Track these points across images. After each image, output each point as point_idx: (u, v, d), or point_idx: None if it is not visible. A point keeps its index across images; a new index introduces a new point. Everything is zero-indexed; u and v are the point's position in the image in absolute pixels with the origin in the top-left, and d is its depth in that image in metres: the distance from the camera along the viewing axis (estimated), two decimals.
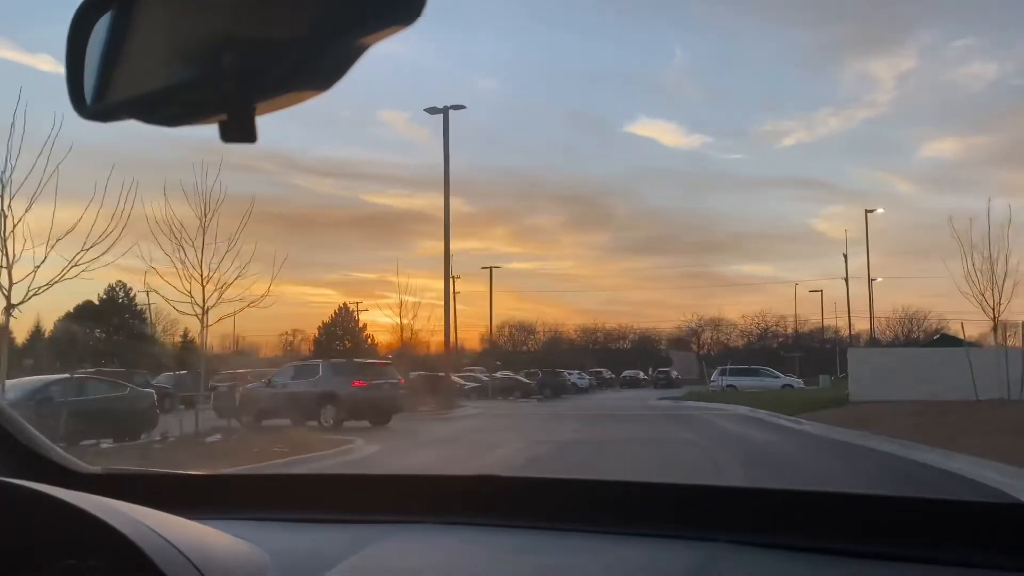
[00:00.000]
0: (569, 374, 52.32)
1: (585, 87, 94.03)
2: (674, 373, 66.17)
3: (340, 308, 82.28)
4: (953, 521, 1.17)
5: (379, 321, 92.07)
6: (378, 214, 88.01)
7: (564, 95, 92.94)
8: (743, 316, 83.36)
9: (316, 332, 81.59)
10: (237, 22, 0.66)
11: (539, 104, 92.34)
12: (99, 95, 0.76)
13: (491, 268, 66.24)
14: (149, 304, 62.14)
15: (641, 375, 67.32)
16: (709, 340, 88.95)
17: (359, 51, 0.63)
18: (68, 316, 66.21)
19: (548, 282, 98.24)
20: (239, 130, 0.67)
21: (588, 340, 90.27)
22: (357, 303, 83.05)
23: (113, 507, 1.05)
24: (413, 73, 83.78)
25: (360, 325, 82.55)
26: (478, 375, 47.74)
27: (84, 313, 64.74)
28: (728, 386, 41.86)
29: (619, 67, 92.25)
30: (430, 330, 39.59)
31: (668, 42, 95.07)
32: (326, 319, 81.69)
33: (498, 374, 48.92)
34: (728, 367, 44.41)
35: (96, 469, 1.64)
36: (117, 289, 72.29)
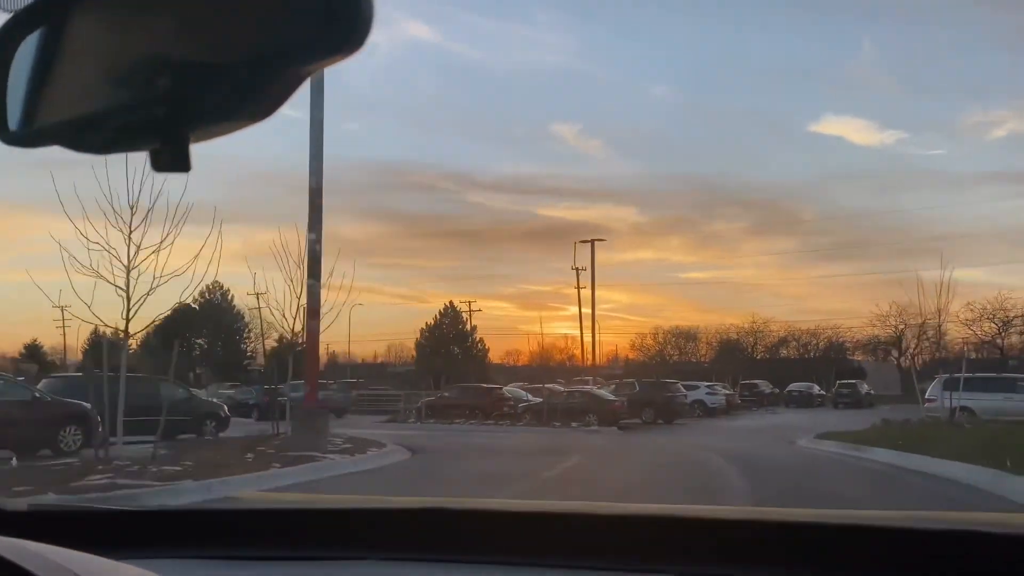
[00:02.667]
0: (693, 389, 34.68)
1: (763, 86, 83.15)
2: (864, 387, 46.01)
3: (446, 307, 68.37)
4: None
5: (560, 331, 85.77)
6: (552, 227, 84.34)
7: (741, 96, 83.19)
8: (970, 308, 60.28)
9: (418, 335, 68.07)
10: (173, 45, 0.61)
11: (714, 107, 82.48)
12: (25, 119, 0.69)
13: (592, 241, 49.07)
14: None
15: (816, 390, 47.65)
16: (916, 347, 66.80)
17: (299, 80, 0.59)
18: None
19: (727, 291, 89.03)
20: (173, 159, 0.62)
21: (757, 342, 71.83)
22: (470, 302, 69.36)
23: (33, 551, 0.90)
24: (583, 83, 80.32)
25: (469, 328, 68.51)
26: (524, 390, 31.43)
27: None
28: (961, 408, 22.09)
29: (800, 62, 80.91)
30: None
31: (853, 32, 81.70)
32: (430, 320, 68.01)
33: (590, 388, 32.16)
34: (958, 374, 22.92)
35: (21, 506, 1.51)
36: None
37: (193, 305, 71.89)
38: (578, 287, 50.91)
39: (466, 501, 1.57)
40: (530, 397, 29.45)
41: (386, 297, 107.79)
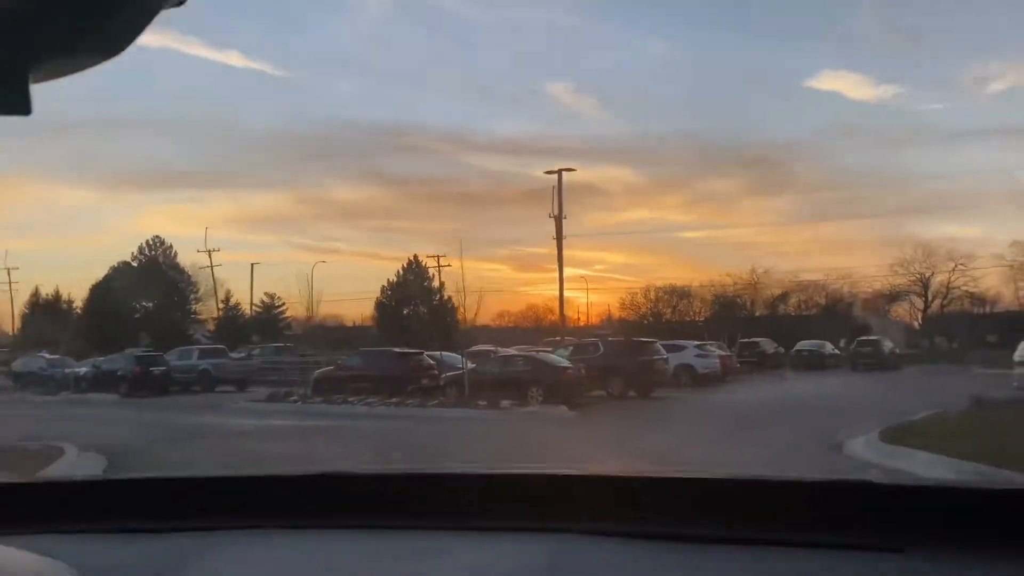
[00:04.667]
0: (678, 350, 26.45)
1: (759, 41, 76.19)
2: (888, 345, 37.88)
3: (410, 262, 60.08)
4: (786, 501, 1.14)
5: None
6: (549, 188, 73.69)
7: (737, 52, 76.16)
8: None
9: (379, 294, 59.87)
10: None
11: (710, 63, 75.91)
12: None
13: (560, 171, 40.75)
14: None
15: (828, 349, 39.45)
16: (945, 296, 58.62)
17: (150, 15, 0.53)
18: None
19: (725, 250, 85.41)
20: (10, 101, 0.54)
21: (757, 296, 64.20)
22: (438, 257, 61.12)
23: None
24: (577, 41, 74.41)
25: (436, 285, 60.29)
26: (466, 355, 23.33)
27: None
28: None
29: (797, 16, 73.63)
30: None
31: None
32: (392, 277, 59.78)
33: (535, 351, 24.01)
34: None
35: None
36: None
37: (132, 263, 64.02)
38: (559, 235, 42.31)
39: (361, 467, 1.55)
40: (466, 365, 21.26)
41: (382, 261, 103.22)
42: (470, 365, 20.35)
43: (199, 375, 29.49)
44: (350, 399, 20.04)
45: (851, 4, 74.91)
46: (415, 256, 60.45)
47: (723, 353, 30.43)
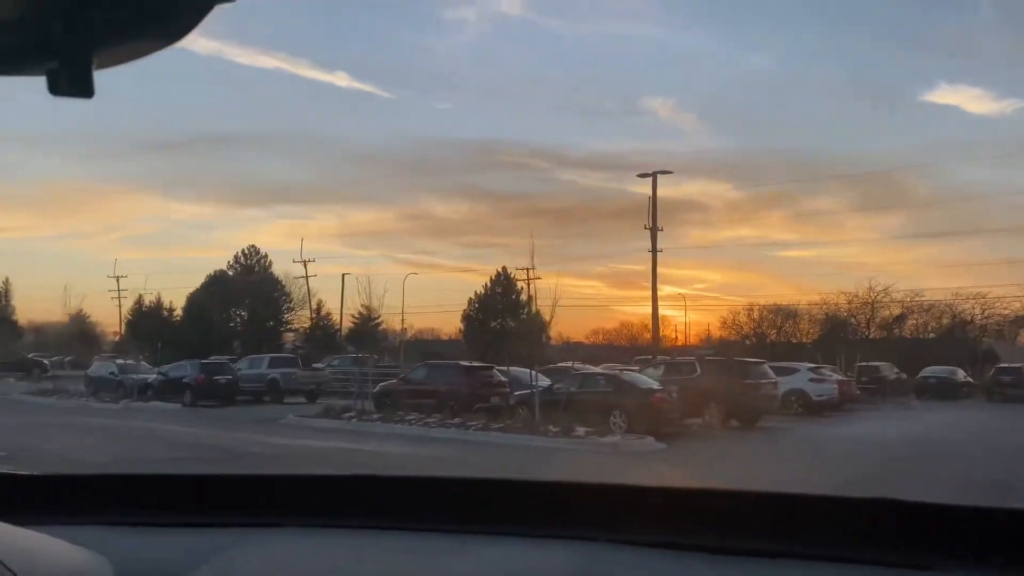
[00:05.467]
0: (789, 373, 22.85)
1: (869, 53, 71.47)
2: None
3: (498, 274, 57.82)
4: (823, 517, 1.12)
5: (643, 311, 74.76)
6: (644, 203, 72.18)
7: (844, 64, 71.10)
8: None
9: (466, 307, 57.84)
10: None
11: (815, 77, 71.98)
12: None
13: (654, 174, 37.60)
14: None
15: (961, 375, 34.55)
16: None
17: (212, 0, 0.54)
18: None
19: (829, 270, 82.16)
20: (73, 82, 0.55)
21: (874, 316, 58.95)
22: (527, 269, 58.62)
23: None
24: (677, 55, 71.67)
25: (526, 298, 57.75)
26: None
27: None
28: None
29: (910, 26, 68.76)
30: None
31: None
32: (479, 290, 57.65)
33: (618, 371, 21.10)
34: None
35: None
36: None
37: (228, 272, 64.39)
38: (654, 248, 39.16)
39: (392, 471, 1.46)
40: (536, 382, 18.55)
41: (478, 276, 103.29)
42: (543, 383, 17.61)
43: (268, 385, 27.88)
44: (409, 417, 17.63)
45: (970, 16, 68.64)
46: (503, 268, 58.16)
47: (842, 378, 26.53)
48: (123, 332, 67.86)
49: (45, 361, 46.60)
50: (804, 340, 55.92)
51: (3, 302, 72.24)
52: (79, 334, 63.44)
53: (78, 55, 0.54)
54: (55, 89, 0.54)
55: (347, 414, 18.84)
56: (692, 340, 65.92)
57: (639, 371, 20.35)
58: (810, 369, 24.70)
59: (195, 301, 63.03)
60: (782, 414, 20.36)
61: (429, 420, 17.20)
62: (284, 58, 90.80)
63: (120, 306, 67.81)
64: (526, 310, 57.17)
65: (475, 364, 21.00)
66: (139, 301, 68.92)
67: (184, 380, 25.90)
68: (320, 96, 73.76)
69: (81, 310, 67.72)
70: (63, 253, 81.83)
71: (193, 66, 77.78)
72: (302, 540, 1.20)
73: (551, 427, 15.46)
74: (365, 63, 78.89)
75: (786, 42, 72.61)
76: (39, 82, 0.55)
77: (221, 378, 26.30)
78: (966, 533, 1.06)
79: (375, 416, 18.27)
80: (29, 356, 50.77)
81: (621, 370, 20.13)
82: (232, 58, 77.49)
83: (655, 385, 17.83)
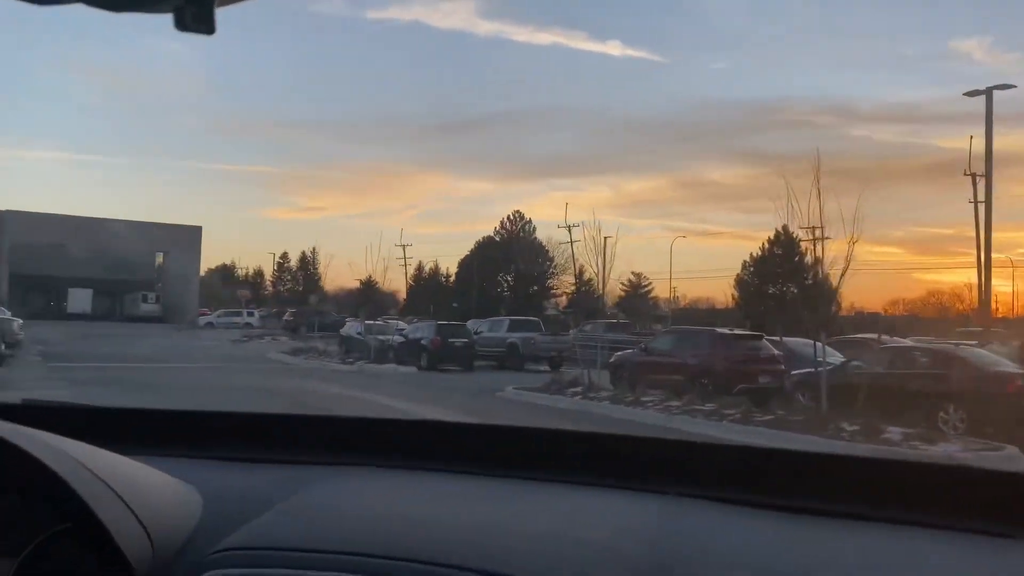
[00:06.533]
0: None
1: None
2: None
3: (777, 233, 50.72)
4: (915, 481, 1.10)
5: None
6: (954, 160, 63.69)
7: None
8: None
9: (739, 271, 51.57)
10: None
11: None
12: None
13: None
14: None
15: None
16: None
17: None
18: None
19: None
20: (196, 18, 0.56)
21: None
22: (812, 229, 50.83)
23: (34, 437, 0.90)
24: None
25: (811, 260, 50.05)
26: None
27: None
28: None
29: None
30: None
31: None
32: (755, 251, 51.03)
33: (958, 347, 14.93)
34: None
35: (14, 399, 1.49)
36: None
37: (495, 238, 64.10)
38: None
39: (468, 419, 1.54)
40: (823, 358, 13.31)
41: (754, 243, 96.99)
42: (833, 359, 12.49)
43: (508, 349, 25.20)
44: (646, 398, 13.47)
45: None
46: (783, 227, 50.97)
47: None
48: (406, 297, 71.13)
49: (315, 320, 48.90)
50: None
51: (311, 269, 79.89)
52: (365, 299, 67.11)
53: None
54: (181, 25, 0.54)
55: (573, 389, 15.10)
56: (1021, 312, 53.70)
57: (980, 348, 14.21)
58: None
59: (465, 267, 63.89)
60: None
61: (671, 403, 12.91)
62: (559, 32, 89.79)
63: (406, 274, 71.11)
64: (811, 274, 49.83)
65: (737, 332, 16.15)
66: (419, 268, 71.92)
67: (421, 342, 24.00)
68: (594, 67, 71.47)
69: (370, 276, 72.04)
70: (367, 228, 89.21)
71: (475, 48, 79.44)
72: (381, 478, 1.22)
73: (845, 424, 10.42)
74: (638, 29, 75.18)
75: None
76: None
77: (457, 341, 23.99)
78: None
79: (605, 394, 14.33)
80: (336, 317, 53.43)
81: (956, 344, 14.10)
82: (511, 37, 77.75)
83: (1015, 368, 11.83)
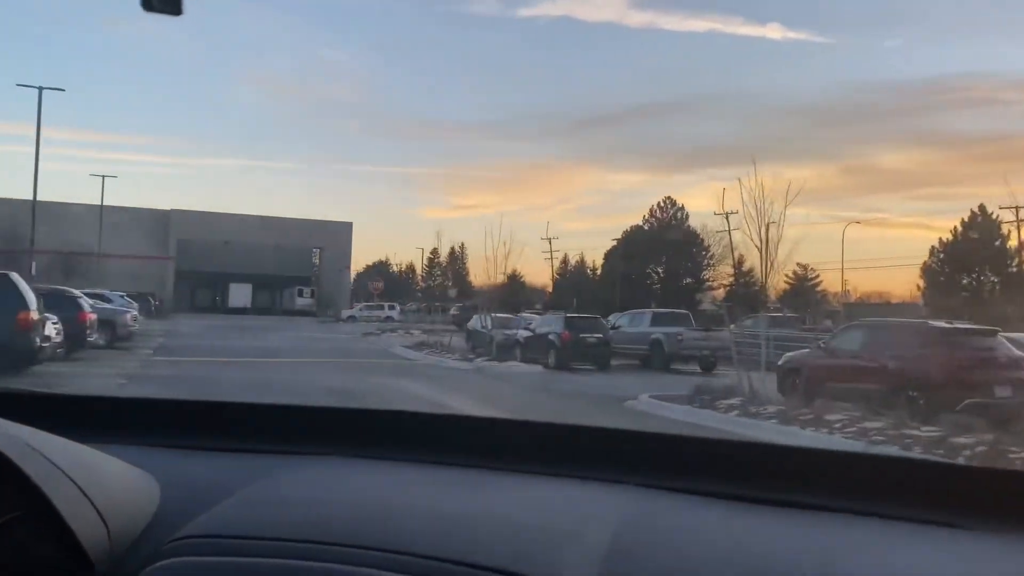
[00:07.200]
0: None
1: None
2: None
3: (972, 215, 43.45)
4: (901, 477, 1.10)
5: None
6: None
7: None
8: None
9: (927, 257, 44.67)
10: None
11: None
12: None
13: None
14: None
15: None
16: None
17: None
18: None
19: None
20: (164, 1, 0.55)
21: None
22: (1016, 209, 42.99)
23: None
24: None
25: (1012, 244, 42.25)
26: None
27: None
28: None
29: None
30: None
31: None
32: (946, 236, 44.05)
33: None
34: None
35: None
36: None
37: (644, 227, 60.08)
38: None
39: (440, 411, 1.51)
40: None
41: (933, 232, 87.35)
42: None
43: (650, 346, 21.69)
44: (831, 416, 9.72)
45: None
46: (980, 207, 43.70)
47: None
48: (551, 291, 68.60)
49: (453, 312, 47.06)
50: None
51: (459, 265, 79.46)
52: (510, 292, 65.04)
53: None
54: (147, 5, 0.52)
55: (728, 401, 11.50)
56: None
57: None
58: None
59: (611, 258, 60.31)
60: None
61: (868, 424, 9.11)
62: (715, 18, 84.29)
63: (552, 267, 68.68)
64: (1015, 260, 42.31)
65: (958, 325, 11.83)
66: (564, 260, 69.21)
67: (549, 337, 20.98)
68: (753, 52, 65.98)
69: (516, 270, 70.32)
70: (522, 224, 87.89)
71: (626, 39, 75.71)
72: (347, 467, 1.21)
73: None
74: (800, 10, 68.86)
75: None
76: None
77: (590, 336, 20.78)
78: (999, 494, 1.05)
79: (771, 408, 10.66)
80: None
81: None
82: (663, 26, 73.43)
83: None
